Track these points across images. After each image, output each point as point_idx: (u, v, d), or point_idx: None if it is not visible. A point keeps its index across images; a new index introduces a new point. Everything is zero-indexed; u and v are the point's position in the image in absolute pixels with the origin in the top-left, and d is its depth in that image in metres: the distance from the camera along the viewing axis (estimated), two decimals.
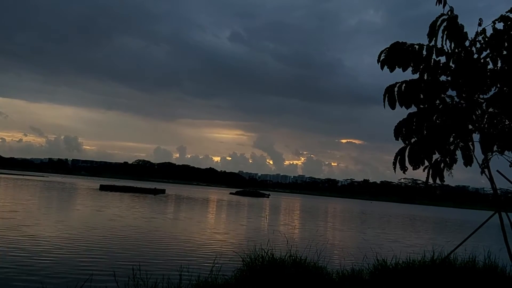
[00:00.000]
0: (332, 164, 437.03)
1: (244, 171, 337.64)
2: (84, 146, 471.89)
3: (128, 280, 8.33)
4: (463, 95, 5.28)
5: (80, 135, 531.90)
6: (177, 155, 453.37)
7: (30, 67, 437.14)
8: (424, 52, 5.20)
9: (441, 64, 5.26)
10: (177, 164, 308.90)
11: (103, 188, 71.18)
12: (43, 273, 11.21)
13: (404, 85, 5.26)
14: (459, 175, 5.97)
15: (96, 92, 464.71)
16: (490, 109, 5.22)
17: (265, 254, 9.22)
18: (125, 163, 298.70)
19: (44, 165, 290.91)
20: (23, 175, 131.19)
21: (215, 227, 27.21)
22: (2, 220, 21.00)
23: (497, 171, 5.57)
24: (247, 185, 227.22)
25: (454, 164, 5.34)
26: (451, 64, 5.25)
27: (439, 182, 5.45)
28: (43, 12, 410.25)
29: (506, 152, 5.24)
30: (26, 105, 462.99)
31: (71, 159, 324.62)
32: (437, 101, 5.32)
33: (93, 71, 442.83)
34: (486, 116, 5.26)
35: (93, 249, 15.28)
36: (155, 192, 71.66)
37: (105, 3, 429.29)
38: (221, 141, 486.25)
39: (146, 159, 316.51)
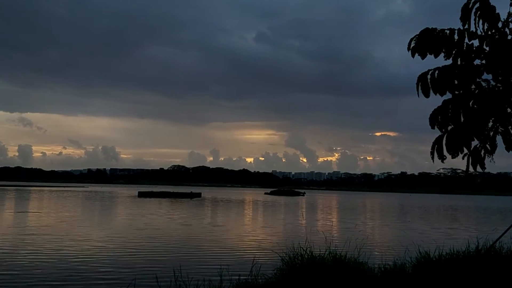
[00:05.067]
0: (368, 158, 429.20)
1: (277, 171, 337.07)
2: (121, 155, 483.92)
3: (170, 283, 8.49)
4: (499, 78, 5.10)
5: (117, 144, 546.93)
6: (211, 158, 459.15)
7: (63, 81, 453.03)
8: (456, 37, 5.06)
9: (474, 48, 5.10)
10: (211, 167, 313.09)
11: (141, 195, 72.89)
12: (88, 277, 11.56)
13: (437, 71, 5.12)
14: (500, 162, 5.76)
15: (129, 102, 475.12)
16: None
17: (304, 252, 9.18)
18: (161, 169, 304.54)
19: (84, 175, 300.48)
20: (65, 186, 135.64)
21: (252, 227, 27.32)
22: (50, 228, 21.80)
23: None
24: (281, 184, 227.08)
25: (495, 150, 5.17)
26: (484, 47, 5.08)
27: (480, 170, 5.28)
28: (73, 28, 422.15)
29: None
30: (63, 118, 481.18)
31: (109, 169, 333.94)
32: (473, 86, 5.16)
33: (124, 81, 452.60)
34: None
35: (135, 253, 15.64)
36: (192, 196, 72.71)
37: (132, 14, 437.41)
38: (253, 142, 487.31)
39: (181, 164, 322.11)
